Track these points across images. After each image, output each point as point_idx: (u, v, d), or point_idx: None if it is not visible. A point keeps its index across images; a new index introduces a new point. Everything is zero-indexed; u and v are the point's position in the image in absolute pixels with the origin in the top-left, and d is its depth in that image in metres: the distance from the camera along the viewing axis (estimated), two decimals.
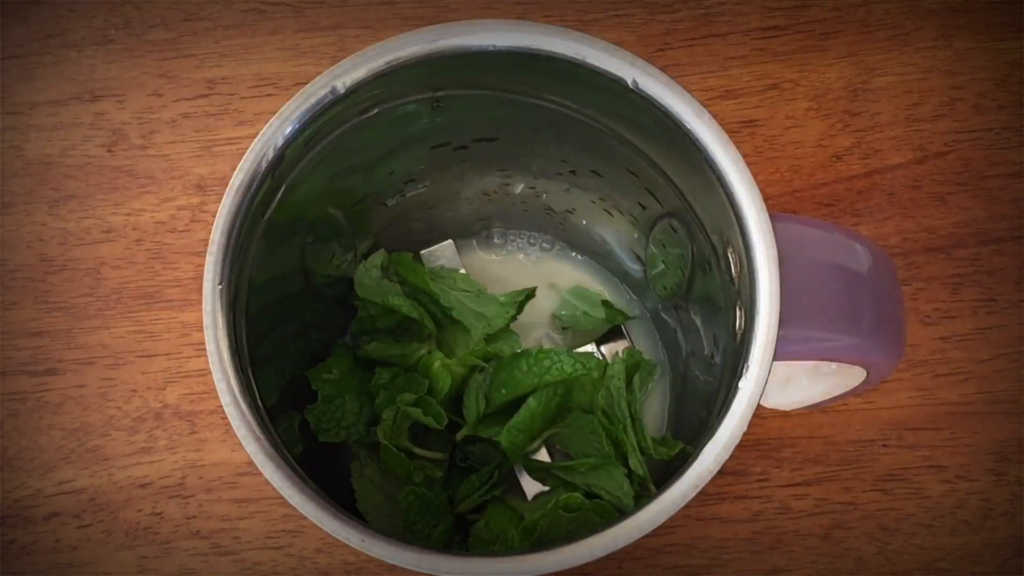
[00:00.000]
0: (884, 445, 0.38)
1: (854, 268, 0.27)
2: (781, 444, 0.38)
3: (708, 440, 0.24)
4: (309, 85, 0.26)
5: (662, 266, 0.34)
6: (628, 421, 0.32)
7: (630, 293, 0.38)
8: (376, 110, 0.28)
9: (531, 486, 0.35)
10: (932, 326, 0.39)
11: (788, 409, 0.36)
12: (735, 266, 0.26)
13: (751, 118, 0.41)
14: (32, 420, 0.38)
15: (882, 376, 0.32)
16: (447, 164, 0.33)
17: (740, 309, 0.26)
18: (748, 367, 0.24)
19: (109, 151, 0.40)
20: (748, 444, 0.38)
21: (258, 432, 0.24)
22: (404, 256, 0.35)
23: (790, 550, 0.37)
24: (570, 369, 0.33)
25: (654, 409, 0.37)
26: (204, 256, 0.25)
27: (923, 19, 0.42)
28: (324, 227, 0.32)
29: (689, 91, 0.26)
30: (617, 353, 0.36)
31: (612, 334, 0.37)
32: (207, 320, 0.25)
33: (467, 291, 0.35)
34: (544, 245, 0.39)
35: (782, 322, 0.24)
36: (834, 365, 0.30)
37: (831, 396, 0.33)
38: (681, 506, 0.24)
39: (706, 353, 0.31)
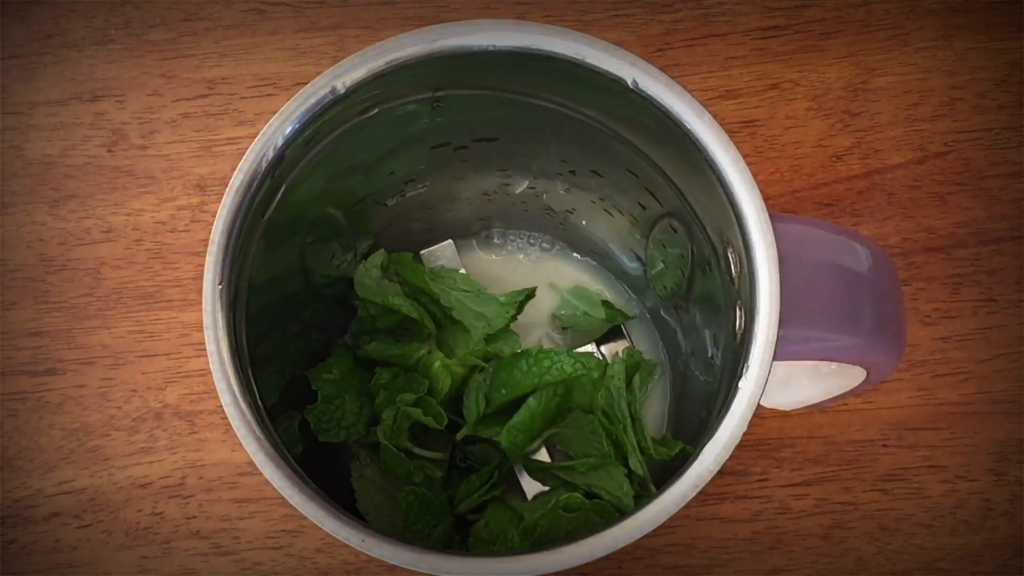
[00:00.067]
0: (884, 445, 0.38)
1: (854, 268, 0.27)
2: (781, 444, 0.38)
3: (708, 440, 0.24)
4: (309, 85, 0.26)
5: (662, 266, 0.34)
6: (628, 421, 0.32)
7: (630, 293, 0.38)
8: (376, 110, 0.28)
9: (531, 486, 0.35)
10: (932, 326, 0.39)
11: (788, 409, 0.36)
12: (735, 266, 0.26)
13: (751, 118, 0.41)
14: (32, 420, 0.38)
15: (882, 376, 0.32)
16: (447, 164, 0.33)
17: (740, 309, 0.26)
18: (748, 367, 0.24)
19: (109, 151, 0.40)
20: (748, 444, 0.38)
21: (258, 432, 0.24)
22: (404, 256, 0.35)
23: (790, 550, 0.37)
24: (570, 369, 0.33)
25: (654, 409, 0.37)
26: (204, 256, 0.25)
27: (923, 19, 0.42)
28: (324, 227, 0.32)
29: (689, 91, 0.26)
30: (617, 353, 0.36)
31: (612, 334, 0.37)
32: (207, 320, 0.25)
33: (467, 291, 0.35)
34: (544, 245, 0.39)
35: (782, 322, 0.24)
36: (834, 365, 0.30)
37: (831, 396, 0.33)
38: (681, 506, 0.24)
39: (706, 353, 0.31)
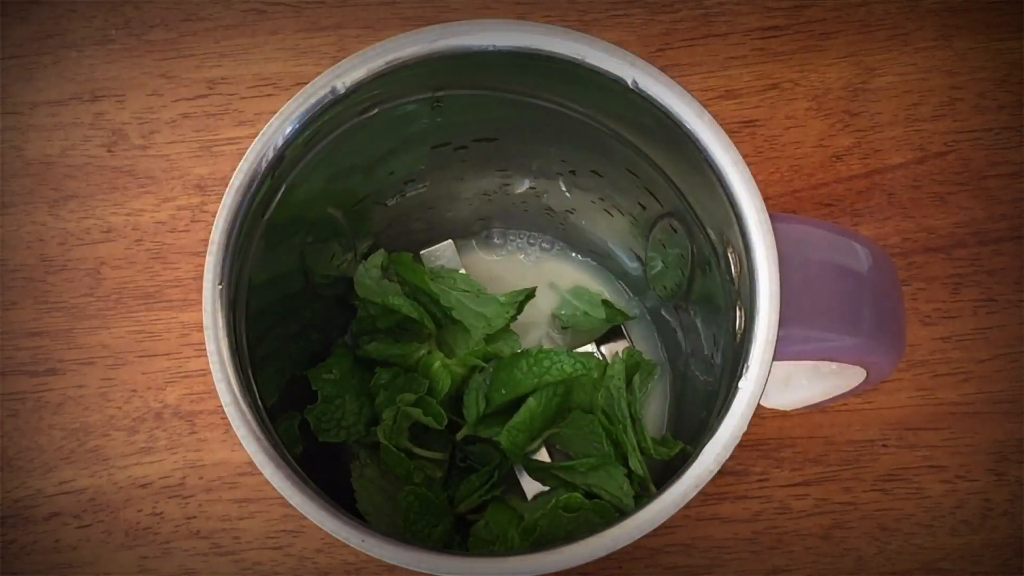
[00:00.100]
0: (884, 445, 0.38)
1: (854, 268, 0.27)
2: (781, 444, 0.38)
3: (708, 440, 0.24)
4: (309, 85, 0.26)
5: (662, 266, 0.34)
6: (628, 421, 0.32)
7: (630, 293, 0.38)
8: (376, 110, 0.28)
9: (531, 486, 0.35)
10: (932, 326, 0.39)
11: (788, 409, 0.36)
12: (735, 266, 0.26)
13: (751, 118, 0.41)
14: (32, 420, 0.38)
15: (882, 376, 0.32)
16: (447, 164, 0.33)
17: (740, 309, 0.26)
18: (748, 367, 0.24)
19: (109, 151, 0.40)
20: (748, 444, 0.38)
21: (258, 432, 0.24)
22: (404, 256, 0.35)
23: (790, 550, 0.37)
24: (570, 369, 0.33)
25: (654, 409, 0.37)
26: (204, 256, 0.25)
27: (923, 19, 0.42)
28: (324, 227, 0.32)
29: (689, 91, 0.26)
30: (617, 353, 0.36)
31: (612, 334, 0.37)
32: (207, 320, 0.25)
33: (467, 291, 0.35)
34: (544, 245, 0.39)
35: (782, 322, 0.24)
36: (834, 365, 0.30)
37: (831, 396, 0.33)
38: (681, 506, 0.24)
39: (706, 353, 0.31)
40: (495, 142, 0.32)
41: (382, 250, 0.35)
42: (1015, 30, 0.41)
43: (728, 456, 0.24)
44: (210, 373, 0.25)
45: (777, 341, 0.24)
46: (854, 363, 0.28)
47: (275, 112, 0.26)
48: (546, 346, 0.36)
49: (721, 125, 0.26)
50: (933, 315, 0.39)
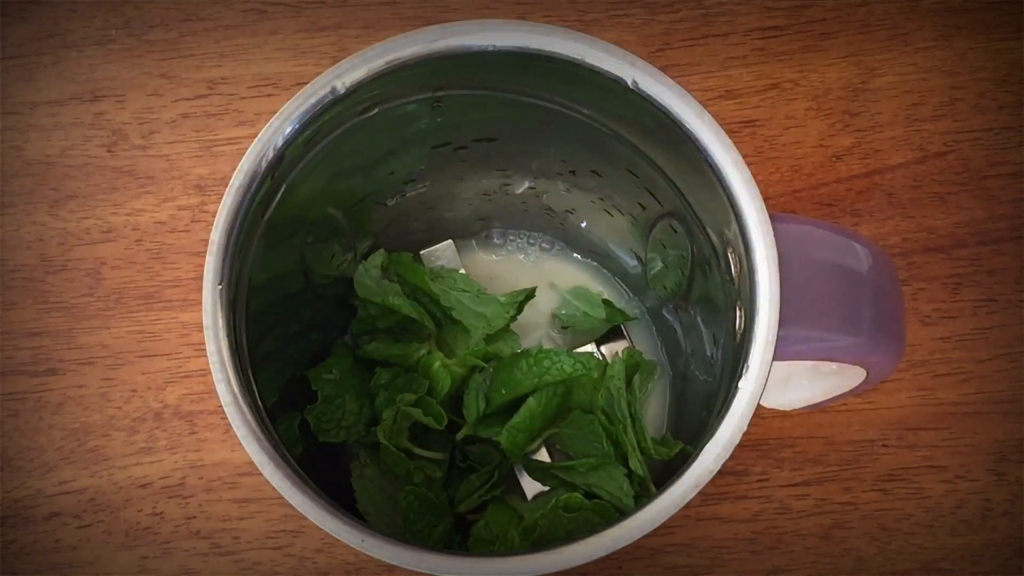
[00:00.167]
0: (884, 445, 0.38)
1: (854, 268, 0.27)
2: (781, 444, 0.38)
3: (708, 440, 0.24)
4: (309, 85, 0.26)
5: (662, 266, 0.34)
6: (628, 421, 0.32)
7: (630, 293, 0.38)
8: (376, 110, 0.28)
9: (531, 486, 0.35)
10: (932, 326, 0.39)
11: (788, 409, 0.36)
12: (735, 266, 0.26)
13: (751, 118, 0.41)
14: (32, 420, 0.38)
15: (882, 376, 0.32)
16: (447, 164, 0.33)
17: (740, 309, 0.26)
18: (748, 367, 0.24)
19: (109, 151, 0.40)
20: (748, 444, 0.38)
21: (258, 432, 0.24)
22: (404, 256, 0.35)
23: (790, 550, 0.37)
24: (570, 369, 0.33)
25: (654, 409, 0.37)
26: (204, 256, 0.25)
27: (923, 19, 0.42)
28: (324, 227, 0.32)
29: (689, 91, 0.26)
30: (617, 353, 0.36)
31: (612, 334, 0.37)
32: (207, 320, 0.25)
33: (467, 291, 0.35)
34: (544, 245, 0.39)
35: (782, 322, 0.24)
36: (834, 365, 0.30)
37: (831, 396, 0.33)
38: (681, 506, 0.24)
39: (706, 353, 0.31)
40: (495, 142, 0.32)
41: (382, 250, 0.35)
42: (1015, 30, 0.41)
43: (728, 456, 0.24)
44: (210, 373, 0.25)
45: (777, 341, 0.24)
46: (854, 363, 0.28)
47: (275, 112, 0.26)
48: (546, 346, 0.36)
49: (721, 125, 0.26)
50: (933, 315, 0.39)
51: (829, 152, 0.40)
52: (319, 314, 0.34)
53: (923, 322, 0.39)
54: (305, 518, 0.24)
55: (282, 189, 0.27)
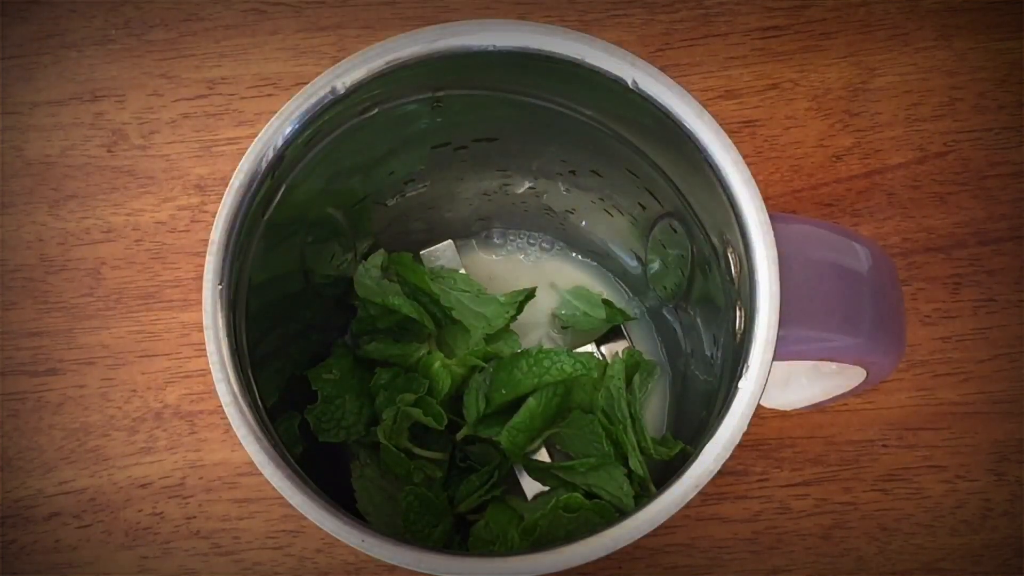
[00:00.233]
0: (884, 445, 0.38)
1: (854, 268, 0.27)
2: (781, 444, 0.38)
3: (708, 440, 0.24)
4: (309, 85, 0.26)
5: (662, 266, 0.34)
6: (628, 421, 0.32)
7: (630, 293, 0.38)
8: (376, 110, 0.28)
9: (531, 486, 0.35)
10: (932, 326, 0.39)
11: (788, 409, 0.36)
12: (735, 266, 0.26)
13: (751, 118, 0.41)
14: (32, 420, 0.38)
15: (882, 376, 0.32)
16: (447, 164, 0.33)
17: (740, 309, 0.26)
18: (748, 367, 0.24)
19: (109, 151, 0.40)
20: (748, 444, 0.38)
21: (258, 432, 0.24)
22: (404, 256, 0.35)
23: (790, 550, 0.37)
24: (570, 369, 0.33)
25: (654, 409, 0.37)
26: (204, 256, 0.25)
27: (923, 19, 0.42)
28: (324, 227, 0.32)
29: (689, 91, 0.26)
30: (617, 353, 0.36)
31: (612, 334, 0.37)
32: (207, 320, 0.25)
33: (467, 291, 0.35)
34: (544, 245, 0.39)
35: (782, 322, 0.24)
36: (834, 365, 0.30)
37: (831, 396, 0.33)
38: (681, 506, 0.24)
39: (706, 353, 0.31)
40: (495, 142, 0.32)
41: (382, 250, 0.35)
42: (1015, 30, 0.41)
43: (728, 456, 0.24)
44: (210, 373, 0.25)
45: (777, 341, 0.24)
46: (854, 363, 0.28)
47: (275, 112, 0.26)
48: (546, 346, 0.36)
49: (721, 125, 0.26)
50: (933, 315, 0.39)
51: (829, 152, 0.40)
52: (319, 314, 0.34)
53: (923, 322, 0.39)
54: (305, 518, 0.24)
55: (282, 189, 0.27)
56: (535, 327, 0.38)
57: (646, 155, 0.29)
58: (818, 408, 0.35)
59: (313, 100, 0.26)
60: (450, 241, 0.38)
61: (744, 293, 0.25)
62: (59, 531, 0.37)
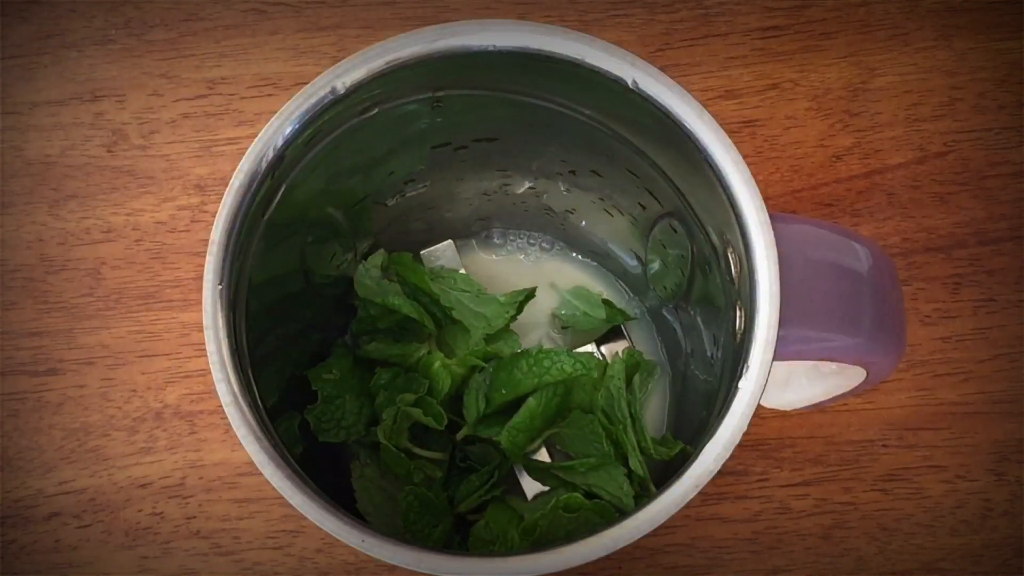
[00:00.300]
0: (884, 445, 0.38)
1: (854, 268, 0.27)
2: (781, 444, 0.38)
3: (708, 440, 0.24)
4: (309, 85, 0.26)
5: (662, 266, 0.34)
6: (628, 421, 0.32)
7: (630, 293, 0.38)
8: (376, 110, 0.28)
9: (531, 486, 0.35)
10: (932, 326, 0.39)
11: (788, 409, 0.36)
12: (735, 266, 0.26)
13: (751, 118, 0.41)
14: (32, 420, 0.38)
15: (882, 376, 0.32)
16: (447, 164, 0.33)
17: (740, 309, 0.26)
18: (748, 367, 0.24)
19: (109, 151, 0.40)
20: (748, 444, 0.38)
21: (258, 432, 0.24)
22: (404, 256, 0.35)
23: (790, 550, 0.37)
24: (570, 369, 0.33)
25: (654, 409, 0.37)
26: (204, 256, 0.25)
27: (923, 19, 0.42)
28: (324, 227, 0.32)
29: (689, 91, 0.26)
30: (617, 353, 0.36)
31: (612, 334, 0.37)
32: (207, 320, 0.25)
33: (467, 291, 0.35)
34: (544, 245, 0.39)
35: (782, 322, 0.24)
36: (834, 365, 0.30)
37: (831, 396, 0.33)
38: (681, 506, 0.24)
39: (706, 353, 0.31)
40: (495, 142, 0.32)
41: (382, 250, 0.35)
42: (1015, 30, 0.41)
43: (728, 456, 0.24)
44: (210, 373, 0.25)
45: (777, 341, 0.24)
46: (854, 363, 0.28)
47: (275, 112, 0.26)
48: (546, 346, 0.36)
49: (721, 125, 0.26)
50: (933, 315, 0.39)
51: (829, 152, 0.40)
52: (319, 314, 0.34)
53: (923, 322, 0.39)
54: (305, 518, 0.24)
55: (282, 189, 0.27)
56: (535, 327, 0.38)
57: (646, 155, 0.29)
58: (818, 408, 0.35)
59: (313, 100, 0.26)
60: (450, 241, 0.38)
61: (744, 293, 0.25)
62: (59, 531, 0.37)
